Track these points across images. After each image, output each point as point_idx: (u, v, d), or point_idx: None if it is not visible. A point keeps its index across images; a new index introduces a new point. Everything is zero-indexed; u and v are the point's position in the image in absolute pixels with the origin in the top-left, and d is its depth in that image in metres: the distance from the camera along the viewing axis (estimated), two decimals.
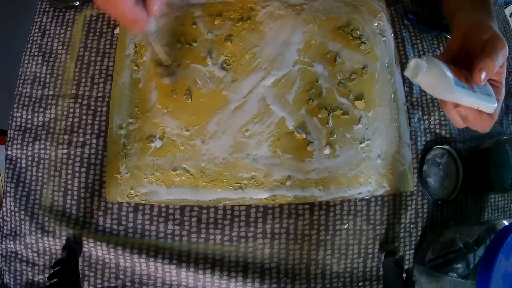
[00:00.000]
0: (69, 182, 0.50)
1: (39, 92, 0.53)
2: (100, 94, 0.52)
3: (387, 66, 0.55)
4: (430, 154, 0.54)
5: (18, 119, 0.53)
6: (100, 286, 0.50)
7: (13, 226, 0.51)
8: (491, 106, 0.41)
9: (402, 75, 0.56)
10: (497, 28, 0.43)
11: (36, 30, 0.56)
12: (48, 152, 0.51)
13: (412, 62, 0.38)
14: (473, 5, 0.47)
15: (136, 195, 0.49)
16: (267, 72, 0.51)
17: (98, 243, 0.48)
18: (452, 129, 0.56)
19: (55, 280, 0.44)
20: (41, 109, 0.53)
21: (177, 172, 0.48)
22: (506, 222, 0.49)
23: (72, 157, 0.51)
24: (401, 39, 0.58)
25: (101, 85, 0.53)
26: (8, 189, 0.51)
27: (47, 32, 0.56)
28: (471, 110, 0.41)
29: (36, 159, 0.51)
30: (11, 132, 0.52)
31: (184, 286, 0.49)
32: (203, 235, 0.49)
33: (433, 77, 0.37)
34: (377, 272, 0.52)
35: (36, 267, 0.51)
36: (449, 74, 0.38)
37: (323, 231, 0.50)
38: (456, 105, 0.42)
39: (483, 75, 0.39)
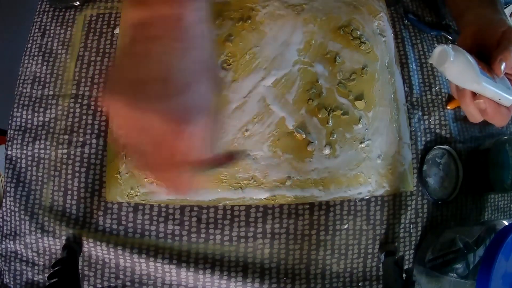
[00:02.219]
0: (69, 182, 0.50)
1: (39, 92, 0.53)
2: (100, 94, 0.52)
3: (387, 66, 0.55)
4: (430, 154, 0.54)
5: (18, 119, 0.53)
6: (100, 286, 0.50)
7: (13, 226, 0.51)
8: (511, 98, 0.41)
9: (402, 75, 0.56)
10: (509, 22, 0.43)
11: (36, 30, 0.56)
12: (48, 152, 0.51)
13: (438, 50, 0.37)
14: (481, 3, 0.47)
15: (136, 195, 0.49)
16: (267, 72, 0.51)
17: (98, 243, 0.48)
18: (452, 129, 0.56)
19: (55, 280, 0.44)
20: (41, 109, 0.53)
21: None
22: (506, 222, 0.49)
23: (72, 157, 0.51)
24: (401, 39, 0.58)
25: (101, 85, 0.53)
26: (8, 189, 0.51)
27: (47, 32, 0.56)
28: (490, 103, 0.41)
29: (36, 159, 0.51)
30: (11, 132, 0.52)
31: (184, 286, 0.49)
32: (203, 235, 0.49)
33: (460, 65, 0.37)
34: (377, 272, 0.52)
35: (36, 267, 0.51)
36: (475, 63, 0.37)
37: (323, 231, 0.50)
38: (475, 98, 0.41)
39: (503, 66, 0.39)
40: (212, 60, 0.32)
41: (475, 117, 0.43)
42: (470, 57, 0.37)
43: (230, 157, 0.31)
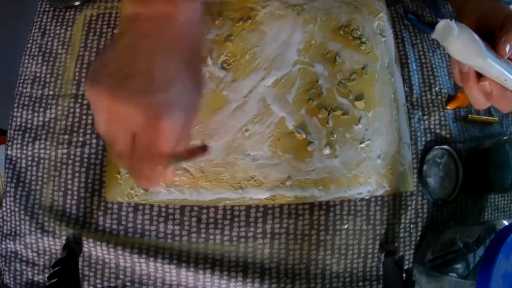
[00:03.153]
0: (69, 182, 0.50)
1: (39, 92, 0.53)
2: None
3: (387, 66, 0.55)
4: (430, 154, 0.54)
5: (18, 119, 0.53)
6: (100, 286, 0.50)
7: (13, 226, 0.51)
8: None
9: (402, 75, 0.56)
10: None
11: (36, 30, 0.56)
12: (48, 152, 0.51)
13: (441, 24, 0.36)
14: None
15: (136, 195, 0.49)
16: (267, 72, 0.51)
17: (98, 243, 0.48)
18: (452, 129, 0.56)
19: (55, 280, 0.44)
20: (41, 109, 0.53)
21: (177, 172, 0.48)
22: (506, 222, 0.49)
23: (72, 157, 0.51)
24: (401, 39, 0.58)
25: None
26: (8, 189, 0.51)
27: (47, 32, 0.56)
28: (496, 85, 0.39)
29: (36, 159, 0.51)
30: (11, 132, 0.52)
31: (184, 286, 0.49)
32: (203, 235, 0.49)
33: (464, 40, 0.36)
34: (377, 272, 0.52)
35: (36, 267, 0.51)
36: (479, 39, 0.37)
37: (323, 231, 0.50)
38: (479, 81, 0.40)
39: (508, 47, 0.38)
40: (198, 62, 0.33)
41: (480, 102, 0.41)
42: (474, 33, 0.37)
43: (201, 150, 0.32)
